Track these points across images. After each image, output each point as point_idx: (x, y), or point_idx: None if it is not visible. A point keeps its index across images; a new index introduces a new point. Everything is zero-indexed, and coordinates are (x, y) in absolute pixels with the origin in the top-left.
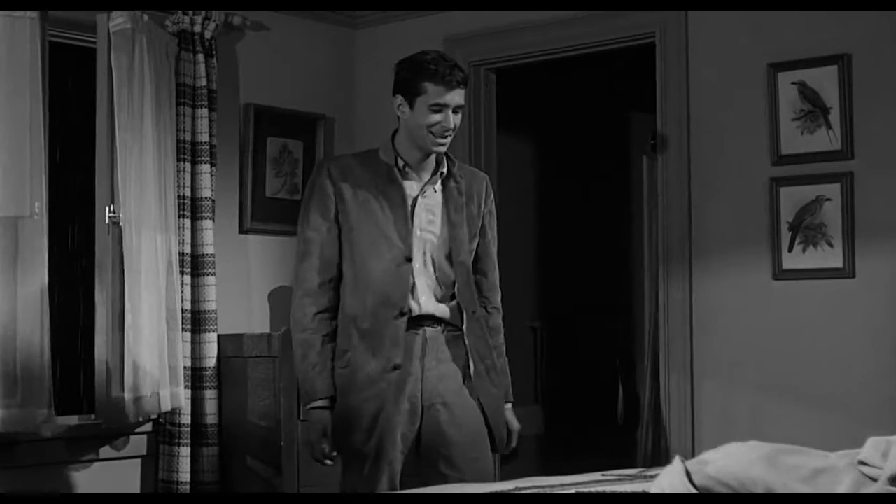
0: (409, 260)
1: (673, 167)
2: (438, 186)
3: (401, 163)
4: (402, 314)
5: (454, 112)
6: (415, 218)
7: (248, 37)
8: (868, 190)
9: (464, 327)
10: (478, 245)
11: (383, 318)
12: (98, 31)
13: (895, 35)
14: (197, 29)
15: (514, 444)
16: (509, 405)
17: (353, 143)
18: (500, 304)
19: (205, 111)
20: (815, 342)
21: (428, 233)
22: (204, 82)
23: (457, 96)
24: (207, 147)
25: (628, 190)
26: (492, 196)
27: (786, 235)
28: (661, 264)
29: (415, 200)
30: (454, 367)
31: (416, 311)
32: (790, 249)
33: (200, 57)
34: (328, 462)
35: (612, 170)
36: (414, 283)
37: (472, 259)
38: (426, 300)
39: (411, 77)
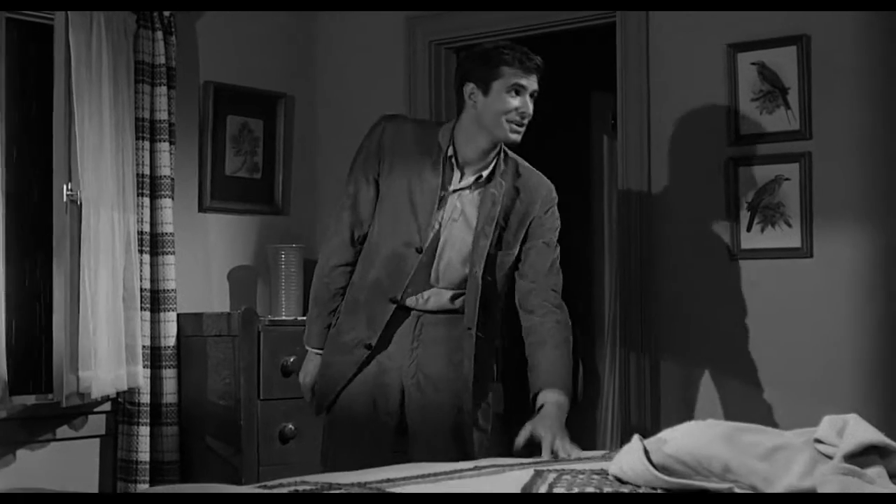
0: (420, 251)
1: (632, 147)
2: (476, 190)
3: (451, 152)
4: (392, 301)
5: (530, 97)
6: (443, 212)
7: (208, 14)
8: (826, 170)
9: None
10: (525, 252)
11: (376, 296)
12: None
13: (853, 16)
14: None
15: (558, 450)
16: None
17: (315, 121)
18: (549, 304)
19: (164, 89)
20: (772, 321)
21: (450, 231)
22: (163, 60)
23: (534, 81)
24: (166, 125)
25: (589, 169)
26: (549, 208)
27: (744, 215)
28: (621, 243)
29: (448, 194)
30: (444, 349)
31: (410, 304)
32: (749, 229)
33: (159, 34)
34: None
35: (572, 149)
36: (414, 276)
37: (501, 272)
38: (422, 295)
39: (485, 62)
